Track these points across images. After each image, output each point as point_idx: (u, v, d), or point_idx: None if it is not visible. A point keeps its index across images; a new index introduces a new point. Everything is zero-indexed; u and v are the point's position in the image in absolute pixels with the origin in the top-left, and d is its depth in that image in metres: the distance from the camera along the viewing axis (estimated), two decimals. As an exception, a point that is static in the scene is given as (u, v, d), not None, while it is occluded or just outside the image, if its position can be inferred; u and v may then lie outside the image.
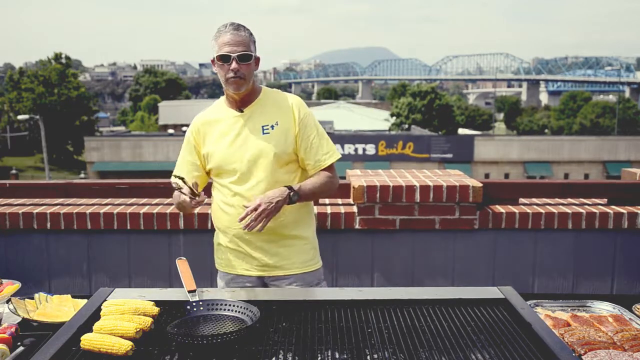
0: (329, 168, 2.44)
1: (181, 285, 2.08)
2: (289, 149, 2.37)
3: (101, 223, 3.09)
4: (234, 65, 2.26)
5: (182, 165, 2.49)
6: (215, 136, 2.40)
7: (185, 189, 2.22)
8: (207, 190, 2.52)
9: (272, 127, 2.36)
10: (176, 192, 2.32)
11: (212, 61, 2.34)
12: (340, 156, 2.49)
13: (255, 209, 2.20)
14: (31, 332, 1.90)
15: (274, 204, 2.23)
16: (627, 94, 79.38)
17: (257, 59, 2.36)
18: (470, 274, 3.14)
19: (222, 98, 2.48)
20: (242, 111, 2.38)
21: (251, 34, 2.33)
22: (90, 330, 1.75)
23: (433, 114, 44.00)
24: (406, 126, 42.09)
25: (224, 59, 2.27)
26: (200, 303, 1.95)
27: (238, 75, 2.27)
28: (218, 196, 2.47)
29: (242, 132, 2.36)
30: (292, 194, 2.28)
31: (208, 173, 2.49)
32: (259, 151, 2.34)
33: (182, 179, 2.25)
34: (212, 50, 2.32)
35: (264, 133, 2.35)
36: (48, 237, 3.12)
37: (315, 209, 3.09)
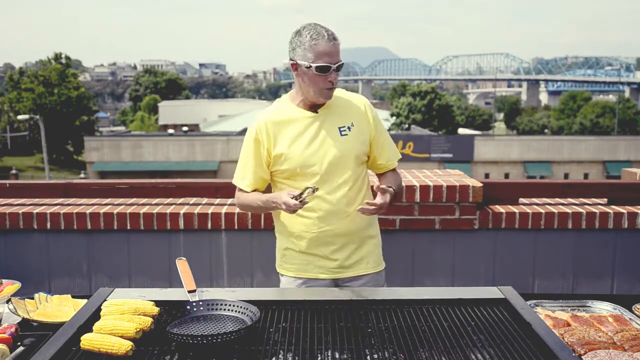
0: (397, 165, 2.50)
1: (181, 285, 2.08)
2: (366, 149, 2.37)
3: (101, 223, 3.09)
4: (333, 76, 2.22)
5: (247, 169, 2.39)
6: (290, 137, 2.31)
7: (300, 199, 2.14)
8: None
9: (349, 128, 2.33)
10: (278, 198, 2.21)
11: (294, 65, 2.27)
12: (400, 157, 2.52)
13: (380, 207, 2.17)
14: (31, 332, 1.90)
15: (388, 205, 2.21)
16: (627, 94, 79.36)
17: None
18: (470, 274, 3.14)
19: (286, 98, 2.41)
20: (316, 112, 2.33)
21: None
22: (90, 330, 1.75)
23: (433, 114, 44.02)
24: (406, 126, 42.13)
25: (323, 69, 2.20)
26: (200, 303, 1.95)
27: (333, 86, 2.25)
28: None
29: (319, 133, 2.31)
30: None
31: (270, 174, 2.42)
32: (341, 153, 2.30)
33: (300, 197, 2.12)
34: (301, 55, 2.22)
35: (341, 135, 2.32)
36: (48, 237, 3.12)
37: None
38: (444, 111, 44.97)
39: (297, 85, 2.31)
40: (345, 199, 2.31)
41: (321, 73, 2.21)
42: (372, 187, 2.44)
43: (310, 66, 2.20)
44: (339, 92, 2.39)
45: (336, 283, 2.42)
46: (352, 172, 2.32)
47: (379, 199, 2.17)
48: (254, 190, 2.40)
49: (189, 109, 51.71)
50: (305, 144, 2.30)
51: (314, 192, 2.10)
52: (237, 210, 3.09)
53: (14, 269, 3.07)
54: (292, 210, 2.16)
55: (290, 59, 2.27)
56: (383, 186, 2.18)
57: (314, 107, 2.33)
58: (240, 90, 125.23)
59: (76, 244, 3.13)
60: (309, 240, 2.36)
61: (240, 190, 2.42)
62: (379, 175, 2.50)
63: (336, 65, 2.22)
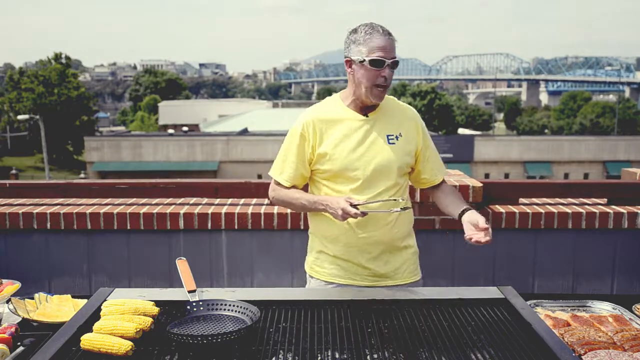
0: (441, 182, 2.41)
1: (181, 285, 2.08)
2: (411, 161, 2.32)
3: (101, 223, 3.09)
4: (387, 71, 2.15)
5: (287, 163, 2.31)
6: (337, 137, 2.25)
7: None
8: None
9: (397, 137, 2.27)
10: (336, 206, 2.14)
11: (348, 62, 2.22)
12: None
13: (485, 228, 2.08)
14: (31, 332, 1.90)
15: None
16: (627, 94, 79.38)
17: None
18: (470, 274, 3.14)
19: (337, 97, 2.34)
20: (367, 116, 2.27)
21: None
22: (90, 330, 1.75)
23: (433, 114, 44.01)
24: (406, 126, 42.06)
25: (376, 64, 2.13)
26: (200, 303, 1.95)
27: (387, 83, 2.18)
28: None
29: (367, 138, 2.25)
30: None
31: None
32: (386, 161, 2.24)
33: (362, 213, 2.10)
34: (354, 51, 2.18)
35: (389, 143, 2.26)
36: (48, 237, 3.12)
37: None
38: (444, 111, 44.97)
39: (350, 84, 2.26)
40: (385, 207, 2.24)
41: (374, 67, 2.14)
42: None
43: (364, 60, 2.15)
44: (391, 100, 2.35)
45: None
46: (394, 181, 2.26)
47: (482, 223, 2.08)
48: (293, 187, 2.33)
49: (189, 109, 51.73)
50: (352, 146, 2.24)
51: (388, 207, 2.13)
52: (237, 210, 3.09)
53: (14, 269, 3.07)
54: (345, 218, 2.11)
55: (345, 57, 2.22)
56: (483, 225, 2.08)
57: (364, 110, 2.27)
58: (240, 90, 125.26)
59: (76, 244, 3.13)
60: (344, 245, 2.30)
61: (278, 184, 2.35)
62: (432, 190, 2.43)
63: (391, 60, 2.15)
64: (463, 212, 2.19)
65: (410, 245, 2.40)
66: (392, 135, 2.27)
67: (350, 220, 2.20)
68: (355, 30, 2.19)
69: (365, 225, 2.25)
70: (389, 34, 2.17)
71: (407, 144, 2.29)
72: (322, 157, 2.25)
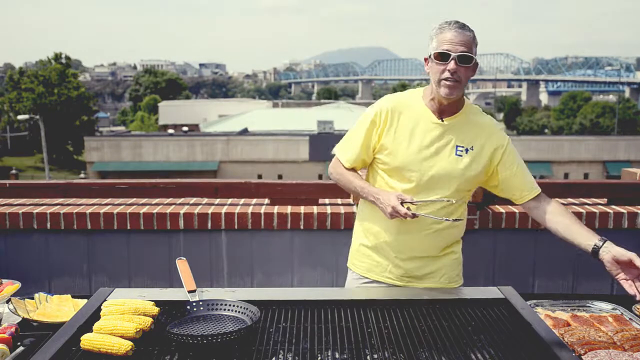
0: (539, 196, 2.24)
1: (181, 285, 2.08)
2: (476, 177, 2.20)
3: (101, 223, 3.09)
4: (451, 65, 2.04)
5: (353, 145, 2.26)
6: (404, 133, 2.17)
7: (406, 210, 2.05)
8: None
9: (467, 150, 2.16)
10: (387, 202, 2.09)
11: (426, 59, 2.15)
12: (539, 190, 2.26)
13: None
14: (31, 332, 1.90)
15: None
16: (627, 94, 79.38)
17: (476, 64, 2.12)
18: (470, 274, 3.13)
19: (420, 91, 2.26)
20: (442, 120, 2.17)
21: (475, 36, 2.09)
22: (90, 330, 1.75)
23: (433, 114, 43.91)
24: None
25: (442, 57, 2.04)
26: (200, 303, 1.95)
27: (454, 78, 2.05)
28: None
29: (435, 143, 2.16)
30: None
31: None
32: (446, 172, 2.16)
33: (414, 215, 2.05)
34: (429, 47, 2.11)
35: (456, 154, 2.16)
36: (48, 237, 3.12)
37: (315, 209, 3.10)
38: (444, 111, 44.85)
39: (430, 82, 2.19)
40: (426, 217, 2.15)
41: (439, 61, 2.06)
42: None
43: (431, 54, 2.09)
44: (474, 110, 2.24)
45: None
46: (450, 193, 2.18)
47: (637, 260, 1.88)
48: (352, 169, 2.29)
49: (189, 109, 51.71)
50: (416, 147, 2.16)
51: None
52: (237, 210, 3.09)
53: (14, 269, 3.07)
54: (394, 216, 2.04)
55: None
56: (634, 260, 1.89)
57: (441, 113, 2.18)
58: (240, 90, 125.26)
59: (76, 244, 3.13)
60: (384, 242, 2.27)
61: (339, 161, 2.32)
62: (531, 207, 2.24)
63: (457, 54, 2.03)
64: (599, 246, 1.98)
65: (453, 252, 2.34)
66: (462, 147, 2.17)
67: (397, 219, 2.12)
68: (434, 27, 2.12)
69: (410, 229, 2.20)
70: (462, 27, 2.06)
71: (475, 159, 2.18)
72: (385, 148, 2.19)
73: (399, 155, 2.17)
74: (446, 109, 2.17)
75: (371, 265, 2.33)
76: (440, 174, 2.16)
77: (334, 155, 2.36)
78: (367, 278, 2.35)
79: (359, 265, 2.37)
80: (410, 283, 2.30)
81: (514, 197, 2.26)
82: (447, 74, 2.06)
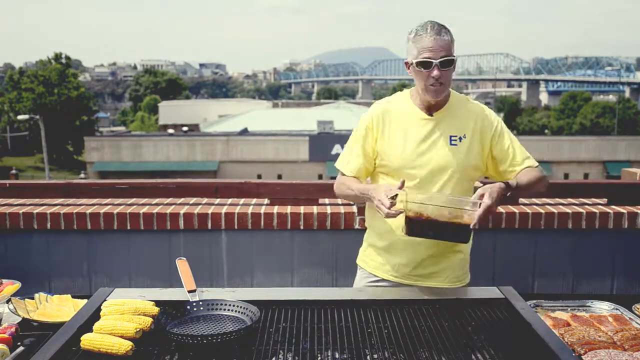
0: (539, 168, 2.28)
1: (181, 285, 2.08)
2: (475, 162, 2.26)
3: (101, 223, 3.09)
4: (435, 72, 2.11)
5: (352, 155, 2.33)
6: (398, 134, 2.25)
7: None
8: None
9: (460, 139, 2.23)
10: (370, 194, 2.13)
11: (407, 64, 2.21)
12: (537, 164, 2.29)
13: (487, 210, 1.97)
14: (31, 332, 1.90)
15: (495, 200, 2.00)
16: (627, 94, 79.38)
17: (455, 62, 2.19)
18: (470, 274, 3.13)
19: (407, 92, 2.34)
20: (431, 115, 2.25)
21: (451, 35, 2.15)
22: (90, 330, 1.75)
23: (433, 114, 43.90)
24: (406, 126, 42.06)
25: (425, 65, 2.11)
26: (200, 303, 1.95)
27: (439, 82, 2.14)
28: None
29: (429, 138, 2.23)
30: (507, 191, 2.09)
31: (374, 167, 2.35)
32: (445, 162, 2.21)
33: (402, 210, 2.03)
34: (408, 53, 2.18)
35: (451, 143, 2.22)
36: (48, 237, 3.12)
37: (315, 209, 3.10)
38: (444, 111, 44.84)
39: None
40: None
41: (422, 69, 2.12)
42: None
43: (412, 63, 2.15)
44: (461, 100, 2.30)
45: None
46: (452, 183, 2.23)
47: (475, 197, 1.98)
48: (355, 177, 2.33)
49: (189, 109, 51.71)
50: (411, 145, 2.23)
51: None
52: (237, 210, 3.09)
53: (14, 269, 3.06)
54: (390, 215, 2.02)
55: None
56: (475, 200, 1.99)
57: (429, 109, 2.25)
58: (240, 90, 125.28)
59: (76, 244, 3.13)
60: (392, 241, 2.30)
61: (342, 174, 2.36)
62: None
63: (439, 60, 2.09)
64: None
65: (460, 251, 2.35)
66: (456, 136, 2.23)
67: (401, 216, 2.06)
68: (410, 31, 2.18)
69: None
70: (439, 32, 2.11)
71: (470, 145, 2.23)
72: (383, 152, 2.27)
73: (396, 156, 2.24)
74: (434, 105, 2.25)
75: (379, 264, 2.37)
76: (439, 166, 2.22)
77: (337, 172, 2.39)
78: (375, 276, 2.38)
79: (369, 263, 2.42)
80: (417, 282, 2.31)
81: (504, 173, 2.27)
82: (431, 80, 2.13)
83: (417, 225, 2.03)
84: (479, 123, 2.26)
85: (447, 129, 2.24)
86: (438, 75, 2.12)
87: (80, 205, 3.24)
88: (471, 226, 1.96)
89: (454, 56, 2.15)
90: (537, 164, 2.31)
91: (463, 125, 2.25)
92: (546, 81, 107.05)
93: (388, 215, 2.02)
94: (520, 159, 2.28)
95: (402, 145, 2.24)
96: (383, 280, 2.37)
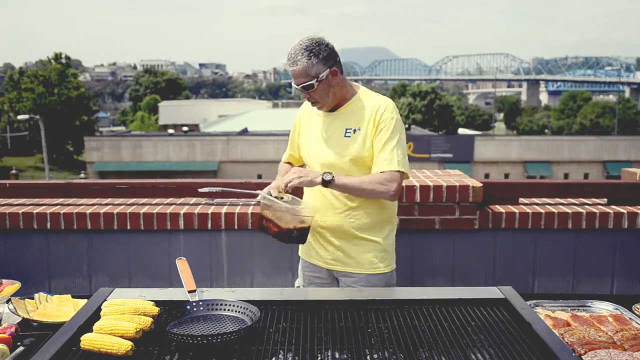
0: (390, 175, 2.31)
1: (181, 285, 2.08)
2: (366, 153, 2.37)
3: (101, 223, 3.09)
4: (304, 94, 2.36)
5: (288, 148, 2.70)
6: (309, 130, 2.52)
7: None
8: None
9: (355, 131, 2.38)
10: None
11: None
12: (398, 169, 2.32)
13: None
14: (31, 332, 1.90)
15: (304, 177, 2.30)
16: (627, 94, 79.38)
17: (333, 71, 2.31)
18: (470, 274, 3.14)
19: None
20: (333, 111, 2.44)
21: (310, 56, 2.26)
22: (90, 330, 1.75)
23: (433, 114, 44.05)
24: (406, 126, 42.18)
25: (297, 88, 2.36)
26: (200, 303, 1.95)
27: (313, 100, 2.37)
28: None
29: (327, 132, 2.43)
30: (325, 178, 2.30)
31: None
32: (337, 153, 2.39)
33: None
34: None
35: (345, 136, 2.39)
36: (48, 237, 3.12)
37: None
38: (444, 111, 45.00)
39: None
40: (339, 196, 2.40)
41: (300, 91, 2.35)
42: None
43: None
44: (364, 95, 2.44)
45: (333, 275, 2.51)
46: (350, 173, 2.37)
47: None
48: (289, 163, 2.70)
49: (189, 109, 51.71)
50: (313, 139, 2.47)
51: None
52: (237, 210, 3.10)
53: (14, 269, 3.07)
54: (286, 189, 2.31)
55: None
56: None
57: (335, 108, 2.44)
58: (240, 90, 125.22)
59: (76, 244, 3.13)
60: (312, 227, 2.44)
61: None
62: None
63: (300, 87, 2.31)
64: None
65: (373, 240, 2.45)
66: (351, 129, 2.39)
67: (315, 203, 2.45)
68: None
69: (321, 210, 2.44)
70: (294, 62, 2.29)
71: (362, 136, 2.37)
72: (300, 145, 2.58)
73: (304, 148, 2.54)
74: (337, 105, 2.43)
75: (307, 249, 2.57)
76: (333, 157, 2.40)
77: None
78: (305, 261, 2.60)
79: (302, 249, 2.62)
80: (333, 266, 2.48)
81: (375, 162, 2.37)
82: (310, 101, 2.39)
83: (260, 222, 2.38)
84: (373, 115, 2.37)
85: (344, 123, 2.41)
86: (307, 96, 2.36)
87: (80, 205, 3.24)
88: (258, 197, 2.37)
89: (314, 79, 2.27)
90: (394, 169, 2.31)
91: (360, 119, 2.39)
92: (546, 81, 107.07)
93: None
94: (381, 159, 2.34)
95: (308, 139, 2.50)
96: (311, 265, 2.56)
